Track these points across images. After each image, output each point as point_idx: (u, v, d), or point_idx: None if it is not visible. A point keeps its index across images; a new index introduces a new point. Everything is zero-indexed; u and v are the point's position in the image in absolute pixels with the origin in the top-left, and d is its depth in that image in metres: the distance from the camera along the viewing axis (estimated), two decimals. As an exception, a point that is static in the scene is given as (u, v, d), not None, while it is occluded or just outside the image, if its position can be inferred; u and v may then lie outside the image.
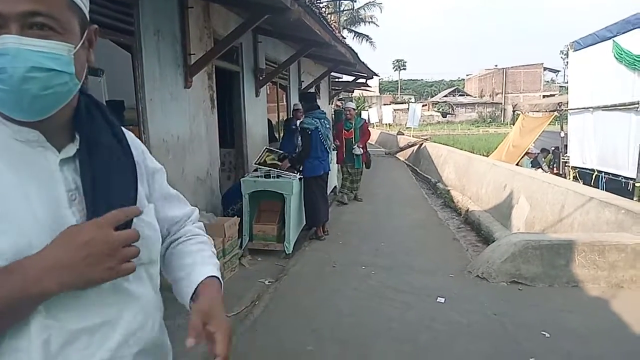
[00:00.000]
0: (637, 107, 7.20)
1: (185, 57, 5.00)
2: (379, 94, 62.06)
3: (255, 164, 5.70)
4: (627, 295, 3.94)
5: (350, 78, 16.11)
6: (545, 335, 3.28)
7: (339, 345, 3.22)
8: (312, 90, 8.57)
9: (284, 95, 10.19)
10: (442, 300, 3.94)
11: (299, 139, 7.99)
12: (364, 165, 8.27)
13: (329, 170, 6.28)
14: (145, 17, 4.25)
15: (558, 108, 10.91)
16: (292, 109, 8.61)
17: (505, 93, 56.07)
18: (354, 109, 8.30)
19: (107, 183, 0.87)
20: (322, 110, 6.19)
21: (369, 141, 9.16)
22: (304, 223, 6.05)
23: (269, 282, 4.58)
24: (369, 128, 8.98)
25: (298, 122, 7.98)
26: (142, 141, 3.96)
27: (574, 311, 3.66)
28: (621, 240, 4.14)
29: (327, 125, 6.09)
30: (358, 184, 8.39)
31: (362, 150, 8.05)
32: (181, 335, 0.98)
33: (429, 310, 3.75)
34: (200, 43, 5.37)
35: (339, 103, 19.15)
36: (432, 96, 72.74)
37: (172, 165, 4.74)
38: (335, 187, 8.78)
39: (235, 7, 6.05)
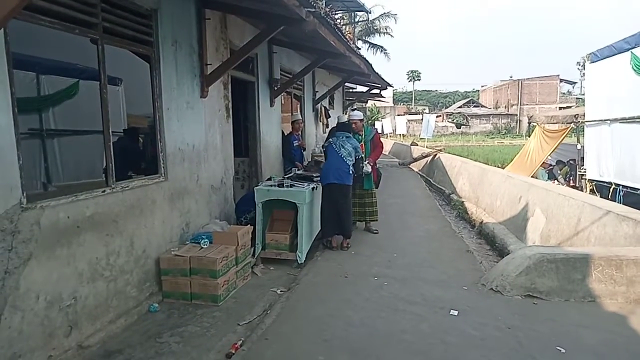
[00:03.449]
0: (656, 120, 7.09)
1: (202, 67, 5.09)
2: (393, 105, 61.96)
3: None
4: (646, 312, 3.85)
5: (365, 88, 16.16)
6: (560, 350, 3.22)
7: (350, 356, 3.19)
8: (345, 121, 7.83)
9: (298, 105, 10.26)
10: (455, 312, 3.89)
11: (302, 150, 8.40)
12: (373, 186, 6.87)
13: (346, 182, 5.85)
14: (164, 28, 4.34)
15: (575, 120, 10.80)
16: (291, 122, 8.33)
17: (520, 104, 55.55)
18: (360, 120, 6.97)
19: None
20: (345, 132, 6.12)
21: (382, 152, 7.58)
22: (317, 232, 6.05)
23: (281, 291, 4.59)
24: (382, 139, 7.44)
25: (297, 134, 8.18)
26: (158, 149, 4.04)
27: (591, 327, 3.59)
28: (639, 255, 4.06)
29: (345, 139, 5.97)
30: (371, 209, 6.81)
31: (370, 168, 6.64)
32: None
33: (441, 323, 3.71)
34: (216, 53, 5.45)
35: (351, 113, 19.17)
36: (447, 107, 72.40)
37: (187, 173, 4.81)
38: None
39: (251, 18, 6.15)
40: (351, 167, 5.92)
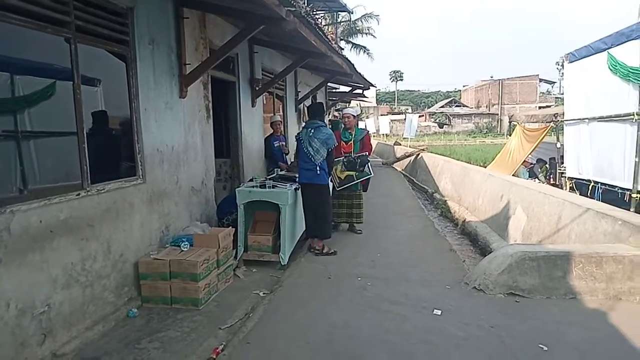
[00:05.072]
0: (633, 118, 7.21)
1: (181, 66, 4.99)
2: (376, 105, 62.22)
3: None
4: (625, 308, 3.90)
5: (347, 88, 16.16)
6: (542, 348, 3.23)
7: (334, 358, 3.16)
8: (318, 101, 7.71)
9: (281, 106, 10.19)
10: (439, 312, 3.89)
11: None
12: (361, 188, 6.79)
13: (316, 182, 5.55)
14: (140, 26, 4.24)
15: (554, 119, 10.94)
16: (270, 123, 8.12)
17: (501, 104, 56.31)
18: (353, 116, 6.83)
19: None
20: (316, 121, 5.66)
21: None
22: (300, 233, 5.99)
23: (263, 293, 4.53)
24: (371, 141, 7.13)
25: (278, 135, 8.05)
26: (135, 151, 3.94)
27: (572, 324, 3.61)
28: (618, 251, 4.11)
29: (312, 132, 5.52)
30: (358, 210, 6.79)
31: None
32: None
33: (425, 323, 3.70)
34: (195, 53, 5.36)
35: (336, 113, 19.09)
36: (429, 107, 73.01)
37: (166, 175, 4.71)
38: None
39: (231, 17, 6.07)
40: (319, 167, 5.51)
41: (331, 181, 6.03)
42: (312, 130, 5.56)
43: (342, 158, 6.58)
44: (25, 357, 2.92)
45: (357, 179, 6.63)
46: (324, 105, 6.46)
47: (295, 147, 5.93)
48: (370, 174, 6.73)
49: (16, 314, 2.86)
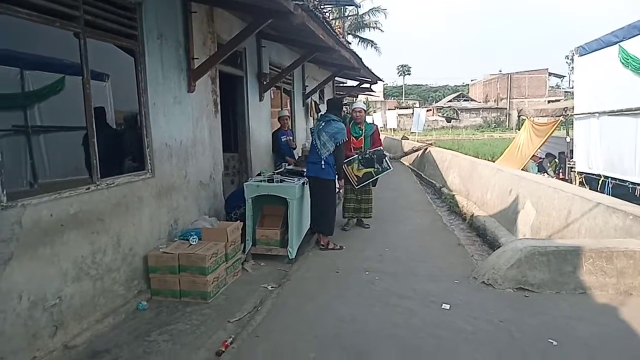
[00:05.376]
0: (644, 112, 7.13)
1: (189, 61, 5.00)
2: (383, 99, 62.02)
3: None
4: (636, 303, 3.86)
5: (355, 83, 16.09)
6: (552, 343, 3.21)
7: (342, 352, 3.16)
8: (331, 97, 7.68)
9: (288, 100, 10.18)
10: (447, 306, 3.88)
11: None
12: (371, 183, 6.70)
13: (320, 176, 5.53)
14: (149, 21, 4.25)
15: (564, 113, 10.85)
16: (278, 118, 8.13)
17: (510, 98, 55.86)
18: (364, 110, 6.79)
19: None
20: (330, 115, 5.66)
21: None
22: (308, 227, 6.00)
23: (271, 287, 4.54)
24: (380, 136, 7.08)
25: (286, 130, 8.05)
26: (144, 145, 3.94)
27: (582, 319, 3.59)
28: (629, 246, 4.07)
29: (322, 125, 5.55)
30: (367, 205, 6.79)
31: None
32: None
33: (433, 317, 3.69)
34: (203, 47, 5.36)
35: (344, 108, 18.98)
36: (437, 101, 72.60)
37: (174, 169, 4.73)
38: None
39: (238, 11, 6.05)
40: (324, 161, 5.48)
41: (340, 178, 5.94)
42: (323, 124, 5.59)
43: (356, 156, 6.53)
44: (37, 349, 2.96)
45: (376, 175, 6.58)
46: (341, 101, 6.43)
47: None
48: (390, 167, 6.71)
49: (28, 306, 2.90)
